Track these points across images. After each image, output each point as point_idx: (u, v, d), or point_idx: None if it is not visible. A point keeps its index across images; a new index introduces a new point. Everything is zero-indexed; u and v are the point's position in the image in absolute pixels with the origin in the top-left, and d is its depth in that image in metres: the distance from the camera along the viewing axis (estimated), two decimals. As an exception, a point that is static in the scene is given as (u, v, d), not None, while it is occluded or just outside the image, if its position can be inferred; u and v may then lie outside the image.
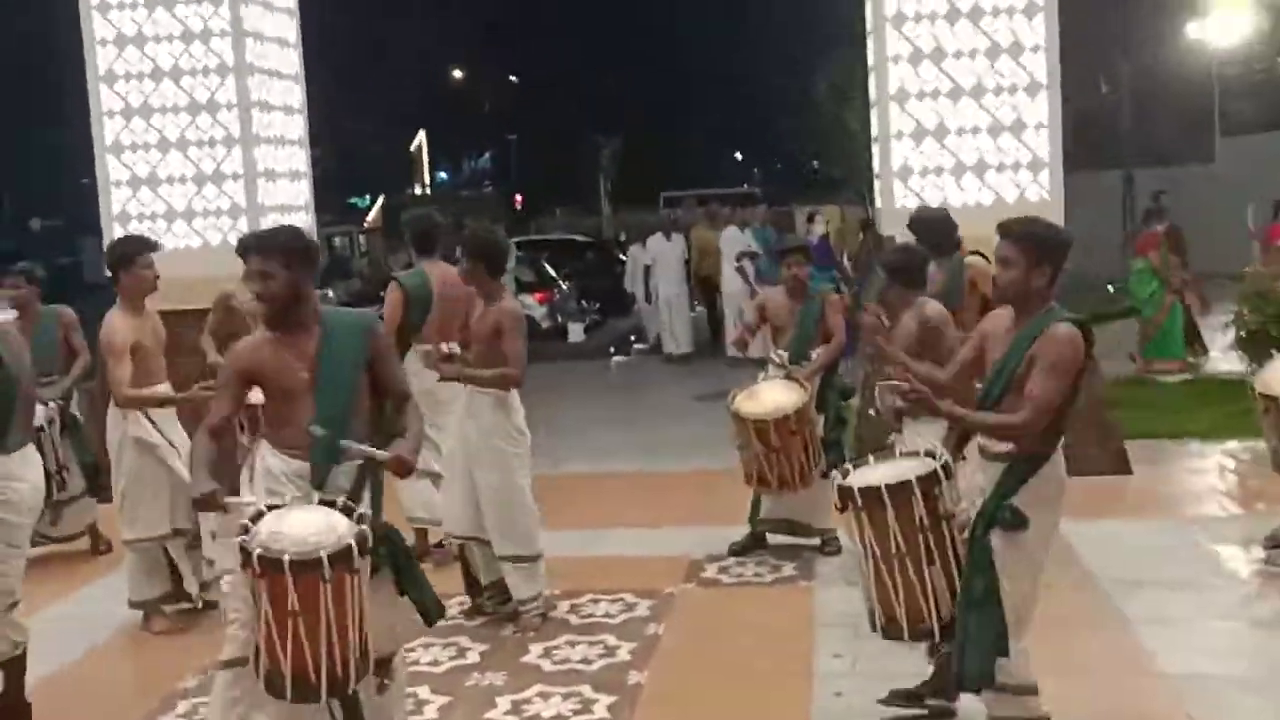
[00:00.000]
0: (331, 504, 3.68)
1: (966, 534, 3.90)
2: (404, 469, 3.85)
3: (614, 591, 6.14)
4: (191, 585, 5.93)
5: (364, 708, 3.82)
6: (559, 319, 17.09)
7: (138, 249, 5.79)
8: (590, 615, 5.85)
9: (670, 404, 12.10)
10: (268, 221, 8.72)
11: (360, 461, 3.86)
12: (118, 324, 5.60)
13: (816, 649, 5.29)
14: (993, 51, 8.24)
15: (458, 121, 50.08)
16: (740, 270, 14.00)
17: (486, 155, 55.38)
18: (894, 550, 3.89)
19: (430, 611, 3.89)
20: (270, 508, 3.64)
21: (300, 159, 9.48)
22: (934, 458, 3.97)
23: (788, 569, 6.44)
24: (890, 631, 4.06)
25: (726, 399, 6.54)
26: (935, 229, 6.44)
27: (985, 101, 8.29)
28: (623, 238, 29.70)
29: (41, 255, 33.92)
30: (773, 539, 6.74)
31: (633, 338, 16.41)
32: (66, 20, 8.87)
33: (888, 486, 3.88)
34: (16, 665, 4.65)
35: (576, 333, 16.78)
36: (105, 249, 6.21)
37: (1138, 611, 5.54)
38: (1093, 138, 24.99)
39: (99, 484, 6.75)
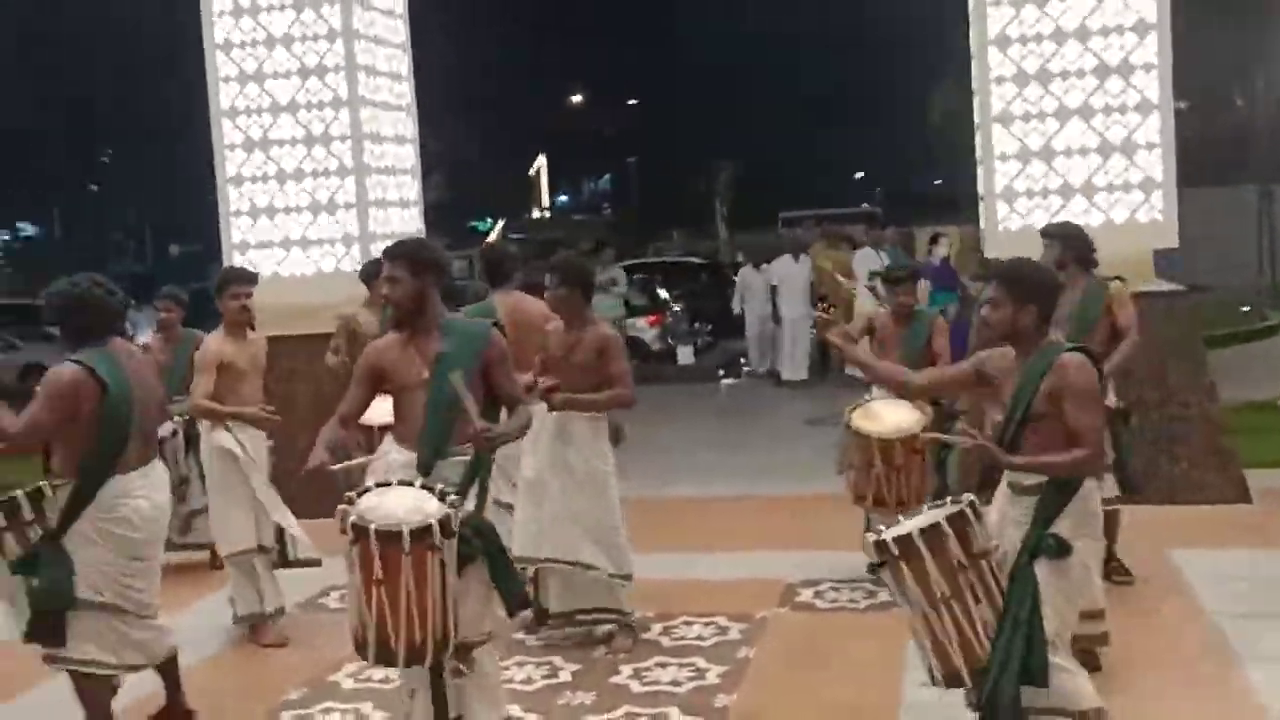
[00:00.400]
0: (431, 489, 4.02)
1: (1006, 568, 3.93)
2: (484, 436, 4.17)
3: (707, 614, 6.21)
4: (274, 602, 6.17)
5: (452, 695, 4.12)
6: (669, 341, 17.24)
7: (230, 279, 6.18)
8: (682, 638, 5.93)
9: (779, 427, 12.13)
10: (379, 249, 9.05)
11: (469, 459, 4.24)
12: (211, 343, 6.07)
13: (905, 677, 5.30)
14: (1101, 71, 8.16)
15: (578, 145, 50.80)
16: (872, 289, 13.90)
17: (605, 178, 56.00)
18: (939, 596, 3.89)
19: (513, 603, 4.21)
20: (378, 485, 4.05)
21: (411, 188, 9.82)
22: (959, 501, 4.00)
23: (883, 595, 6.41)
24: (951, 682, 4.06)
25: (841, 419, 6.59)
26: (1081, 240, 6.24)
27: (1094, 122, 8.21)
28: (739, 259, 29.75)
29: (177, 280, 35.54)
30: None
31: (742, 360, 16.48)
32: (194, 57, 9.36)
33: (920, 531, 3.90)
34: (170, 671, 4.94)
35: (686, 355, 16.90)
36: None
37: (1247, 646, 5.41)
38: (1226, 153, 24.28)
39: None
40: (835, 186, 50.84)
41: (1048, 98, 8.23)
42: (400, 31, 9.76)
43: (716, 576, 6.99)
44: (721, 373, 15.91)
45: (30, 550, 4.60)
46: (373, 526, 3.83)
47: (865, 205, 43.16)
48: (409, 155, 9.82)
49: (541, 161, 47.79)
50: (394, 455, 4.37)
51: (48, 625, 4.52)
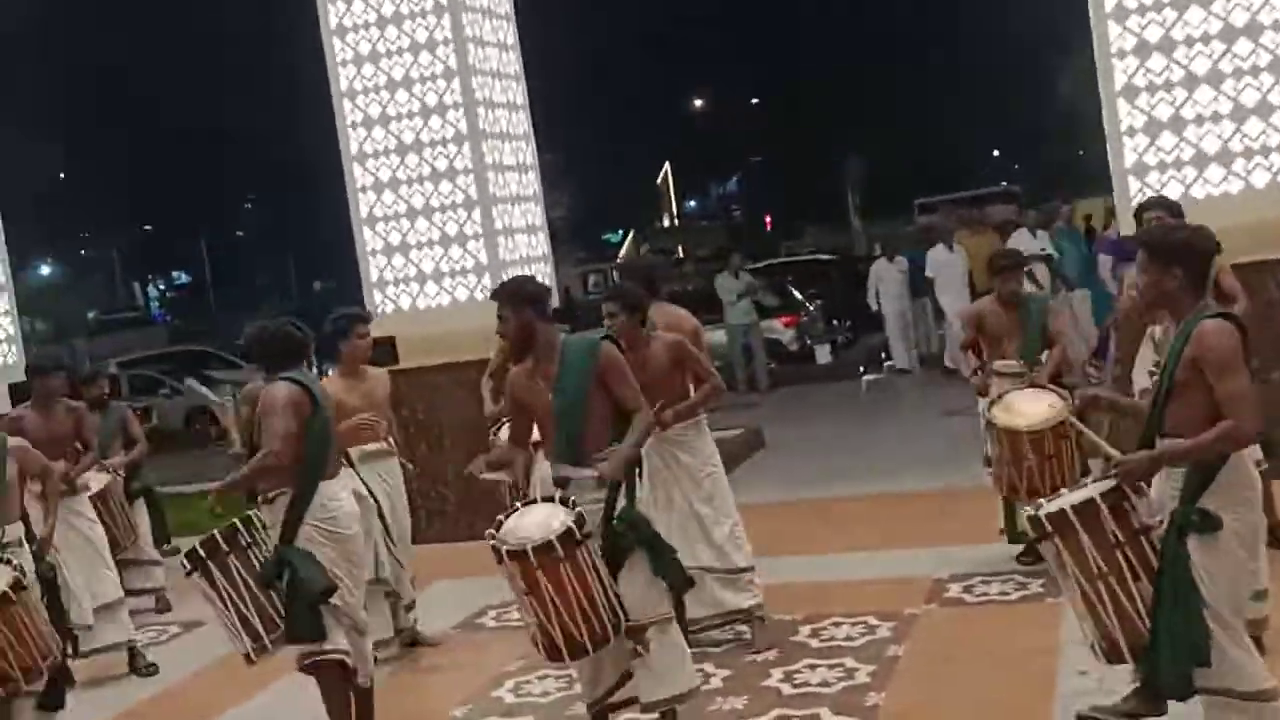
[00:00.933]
0: (564, 502, 4.50)
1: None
2: (599, 468, 4.61)
3: (855, 614, 6.30)
4: (386, 630, 6.39)
5: (637, 673, 4.67)
6: (807, 341, 17.29)
7: (351, 321, 6.59)
8: (831, 639, 6.04)
9: (920, 420, 12.13)
10: (509, 274, 9.39)
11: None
12: (325, 385, 6.30)
13: (1061, 668, 5.32)
14: (1228, 34, 7.99)
15: (703, 149, 51.05)
16: (1030, 275, 13.58)
17: (733, 179, 56.10)
18: (1096, 573, 3.93)
19: (677, 584, 4.72)
20: (525, 504, 4.60)
21: (536, 214, 10.14)
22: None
23: (1034, 586, 6.44)
24: (1113, 657, 4.10)
25: (981, 414, 6.65)
26: (1177, 213, 6.19)
27: (1224, 87, 8.04)
28: (876, 251, 29.48)
29: (320, 314, 36.96)
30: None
31: (884, 355, 16.43)
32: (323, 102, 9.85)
33: (1073, 508, 3.95)
34: (365, 700, 5.26)
35: (824, 354, 16.92)
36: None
37: None
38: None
39: None
40: (971, 167, 49.97)
41: (1173, 67, 8.09)
42: (513, 63, 10.09)
43: (863, 575, 7.07)
44: (862, 370, 15.89)
45: (274, 557, 5.03)
46: (504, 549, 4.36)
47: (1005, 184, 42.32)
48: (531, 182, 10.15)
49: (667, 169, 48.11)
50: (544, 469, 4.96)
51: (308, 619, 4.95)
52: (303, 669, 5.09)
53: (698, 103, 51.21)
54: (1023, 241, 13.68)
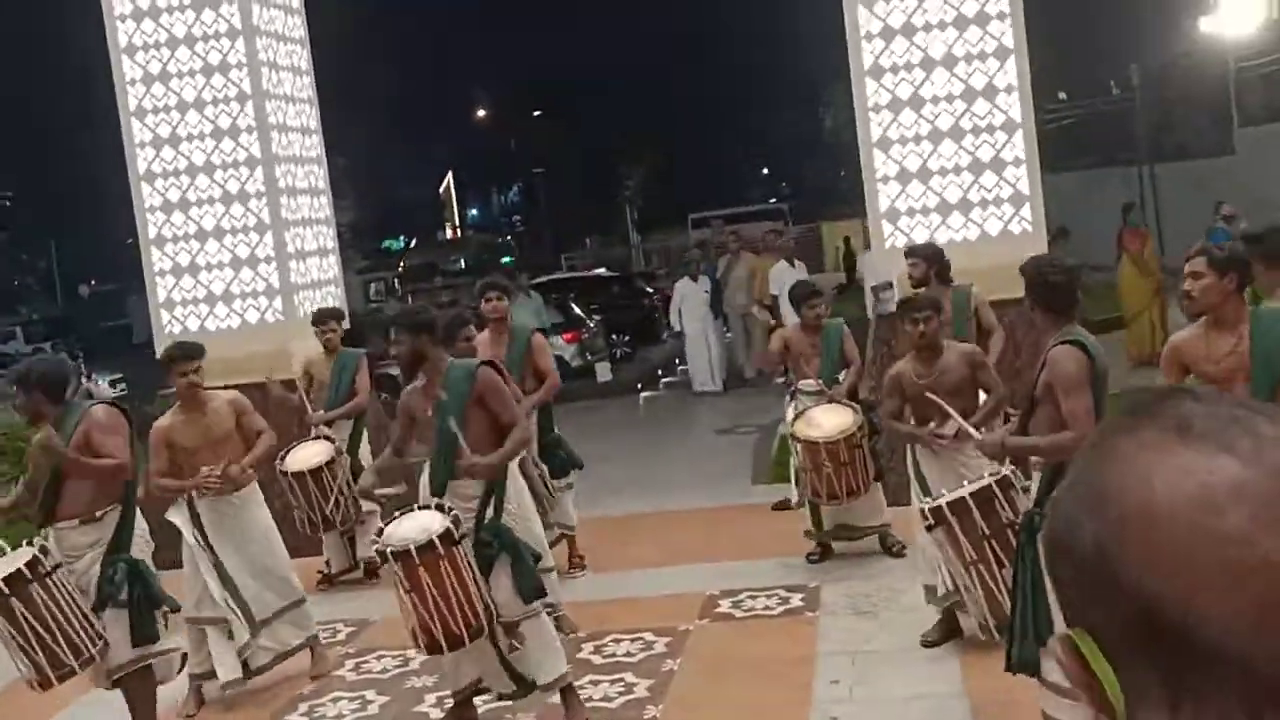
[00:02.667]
0: (442, 509, 4.98)
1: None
2: (464, 467, 5.09)
3: (634, 631, 6.67)
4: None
5: (515, 662, 5.12)
6: (588, 357, 17.66)
7: (174, 355, 6.19)
8: (612, 655, 6.37)
9: (694, 438, 12.66)
10: (300, 298, 9.41)
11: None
12: (160, 423, 6.34)
13: (817, 677, 5.81)
14: (968, 95, 8.77)
15: (486, 159, 51.04)
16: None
17: (515, 190, 56.26)
18: (989, 554, 4.55)
19: (527, 594, 5.11)
20: (404, 511, 5.06)
21: (328, 236, 10.15)
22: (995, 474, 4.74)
23: (795, 600, 6.95)
24: (996, 632, 4.72)
25: (782, 429, 7.31)
26: (940, 258, 7.30)
27: (964, 142, 8.82)
28: (653, 266, 30.20)
29: (94, 318, 35.44)
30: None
31: (659, 372, 16.99)
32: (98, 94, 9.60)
33: (972, 494, 4.61)
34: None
35: (604, 371, 17.31)
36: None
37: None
38: (1107, 137, 25.36)
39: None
40: (740, 183, 51.60)
41: (921, 121, 8.82)
42: (307, 87, 10.08)
43: (642, 592, 7.45)
44: (640, 386, 16.36)
45: (114, 569, 5.34)
46: (389, 549, 4.79)
47: (773, 201, 43.92)
48: (324, 205, 10.15)
49: (449, 179, 47.88)
50: (425, 478, 5.40)
51: (150, 621, 5.41)
52: (116, 681, 5.36)
53: (481, 113, 51.17)
54: (783, 273, 14.47)
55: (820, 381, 7.37)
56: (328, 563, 8.02)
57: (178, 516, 6.15)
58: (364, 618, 7.30)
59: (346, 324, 8.62)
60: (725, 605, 7.03)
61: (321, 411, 7.92)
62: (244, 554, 6.16)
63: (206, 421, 6.12)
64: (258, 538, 6.24)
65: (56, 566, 5.18)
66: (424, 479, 5.43)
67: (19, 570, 5.08)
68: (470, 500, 5.18)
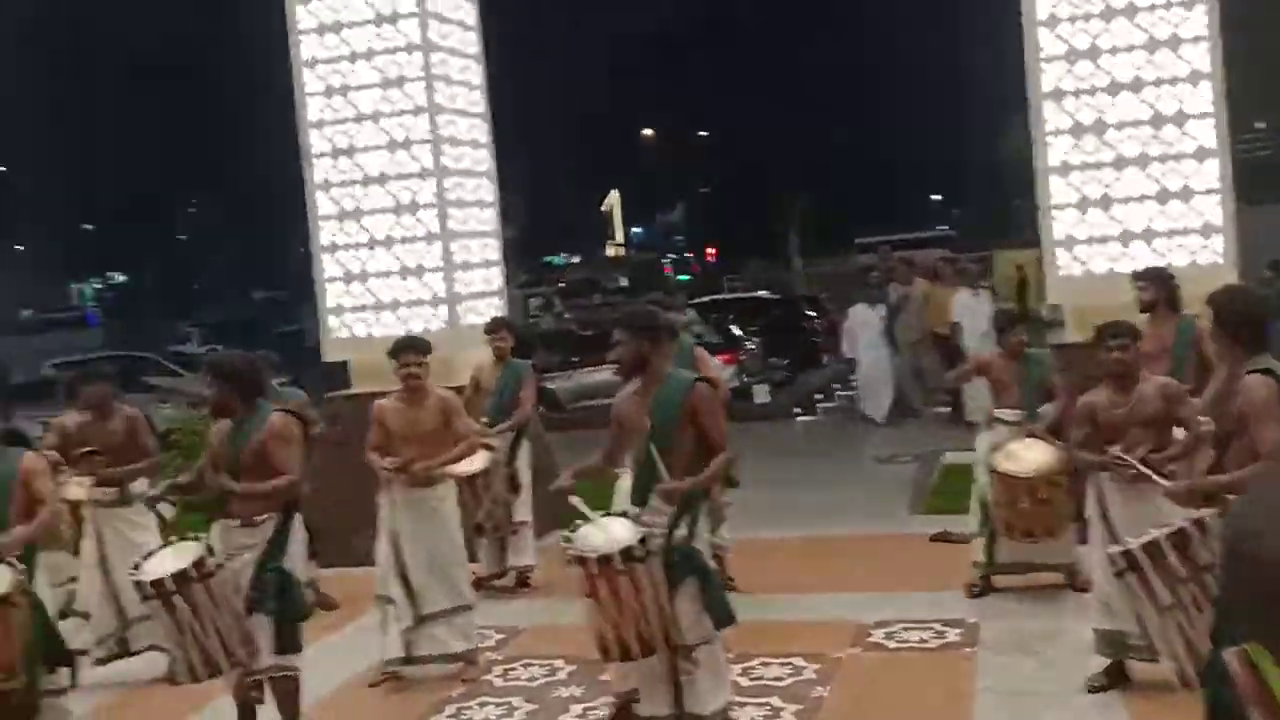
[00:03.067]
0: (635, 519, 4.90)
1: None
2: (662, 492, 4.96)
3: (783, 655, 6.66)
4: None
5: (684, 687, 4.97)
6: (745, 379, 17.67)
7: (398, 348, 6.81)
8: (760, 678, 6.37)
9: (851, 466, 12.55)
10: (463, 308, 9.70)
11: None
12: (382, 407, 6.83)
13: (974, 715, 5.71)
14: (1157, 120, 8.52)
15: (650, 178, 51.56)
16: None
17: (677, 209, 56.66)
18: (1187, 599, 4.50)
19: (719, 619, 4.99)
20: (602, 516, 4.98)
21: (494, 248, 10.46)
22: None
23: (952, 634, 6.83)
24: (1186, 682, 4.60)
25: (983, 460, 7.19)
26: (1171, 283, 7.17)
27: (1150, 170, 8.57)
28: (816, 291, 30.00)
29: (268, 323, 37.06)
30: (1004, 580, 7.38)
31: (818, 397, 16.89)
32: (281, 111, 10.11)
33: (1166, 538, 4.54)
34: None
35: (762, 393, 17.29)
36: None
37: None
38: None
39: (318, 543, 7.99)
40: (910, 209, 50.89)
41: (1104, 148, 8.61)
42: (480, 102, 10.42)
43: (792, 617, 7.43)
44: (798, 411, 16.29)
45: (269, 576, 5.48)
46: (571, 553, 4.82)
47: (941, 228, 43.20)
48: (490, 219, 10.46)
49: (614, 196, 48.52)
50: (624, 481, 5.38)
51: (296, 632, 5.56)
52: (269, 680, 5.48)
53: (647, 131, 51.76)
54: (967, 300, 14.22)
55: (1020, 412, 7.28)
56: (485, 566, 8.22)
57: (384, 498, 6.61)
58: (514, 625, 7.47)
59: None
60: (878, 635, 6.96)
61: (485, 420, 8.15)
62: (425, 548, 6.54)
63: (417, 414, 6.60)
64: (442, 538, 6.62)
65: (219, 566, 5.35)
66: (623, 484, 5.47)
67: (185, 569, 5.26)
68: (666, 515, 5.05)
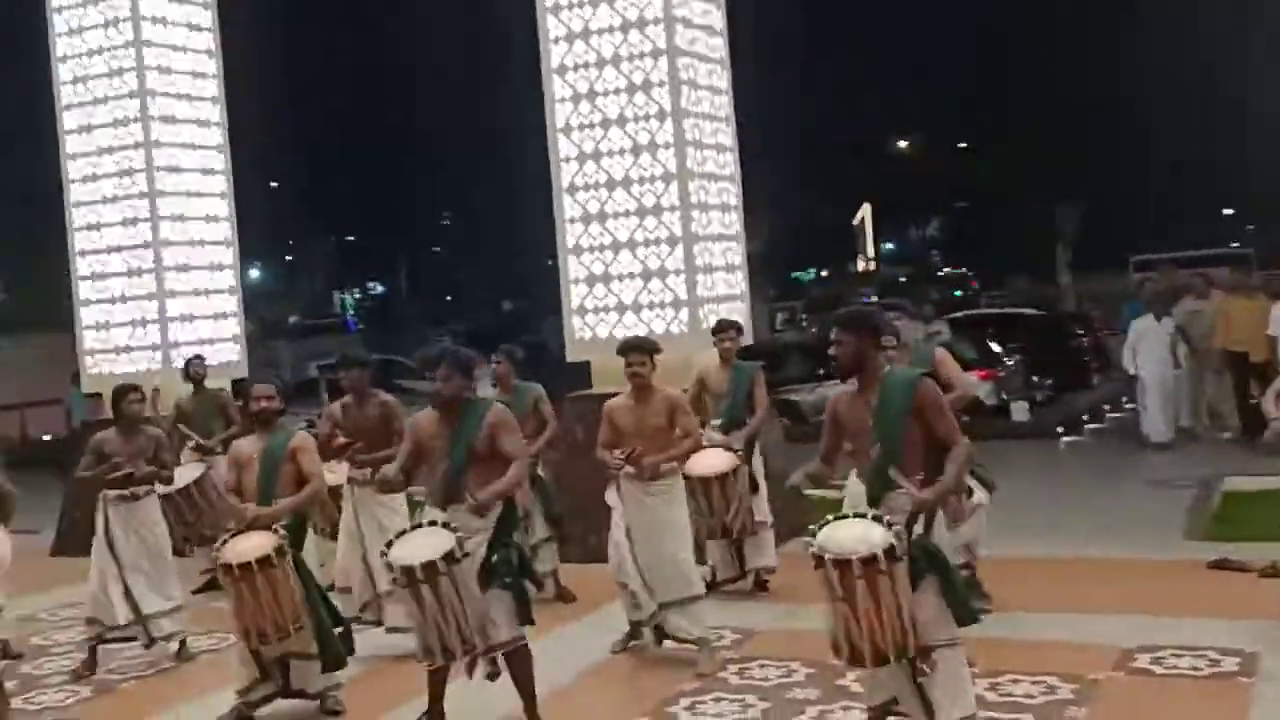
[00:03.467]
0: (879, 519, 4.87)
1: None
2: (919, 504, 4.93)
3: (1036, 674, 6.44)
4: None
5: (925, 688, 4.93)
6: (1003, 397, 17.19)
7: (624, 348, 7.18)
8: (1009, 694, 6.17)
9: (1122, 488, 12.02)
10: (705, 311, 9.84)
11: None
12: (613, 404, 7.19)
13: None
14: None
15: (905, 191, 50.76)
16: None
17: (934, 224, 55.57)
18: None
19: (961, 616, 4.95)
20: (838, 518, 4.99)
21: (736, 252, 10.58)
22: None
23: (1228, 663, 6.45)
24: None
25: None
26: None
27: None
28: (1091, 310, 28.87)
29: (510, 335, 38.61)
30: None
31: (1085, 417, 16.24)
32: (537, 140, 10.54)
33: None
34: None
35: (1021, 411, 16.77)
36: None
37: None
38: None
39: (562, 534, 8.67)
40: (1200, 224, 48.18)
41: None
42: (724, 106, 10.58)
43: (1046, 636, 7.17)
44: (1061, 430, 15.72)
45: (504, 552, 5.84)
46: (828, 556, 4.79)
47: (1235, 245, 40.68)
48: (734, 222, 10.58)
49: (866, 210, 48.04)
50: (854, 486, 5.41)
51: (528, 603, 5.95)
52: (506, 654, 5.78)
53: (903, 143, 51.01)
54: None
55: None
56: (712, 569, 8.30)
57: (614, 492, 6.95)
58: (750, 627, 7.50)
59: (746, 341, 8.95)
60: (1143, 660, 6.64)
61: (717, 423, 8.26)
62: (655, 540, 6.87)
63: (643, 412, 6.93)
64: (671, 530, 6.92)
65: (466, 555, 5.60)
66: (851, 483, 5.47)
67: (434, 561, 5.52)
68: (903, 514, 5.03)
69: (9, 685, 7.43)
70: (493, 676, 5.86)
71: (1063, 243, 38.66)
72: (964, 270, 48.15)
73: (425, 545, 5.61)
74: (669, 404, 6.98)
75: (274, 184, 43.51)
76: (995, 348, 18.63)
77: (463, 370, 5.90)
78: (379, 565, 7.20)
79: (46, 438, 24.40)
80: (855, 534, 4.84)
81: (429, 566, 5.51)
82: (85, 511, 10.46)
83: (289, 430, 6.63)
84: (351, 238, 57.45)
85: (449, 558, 5.53)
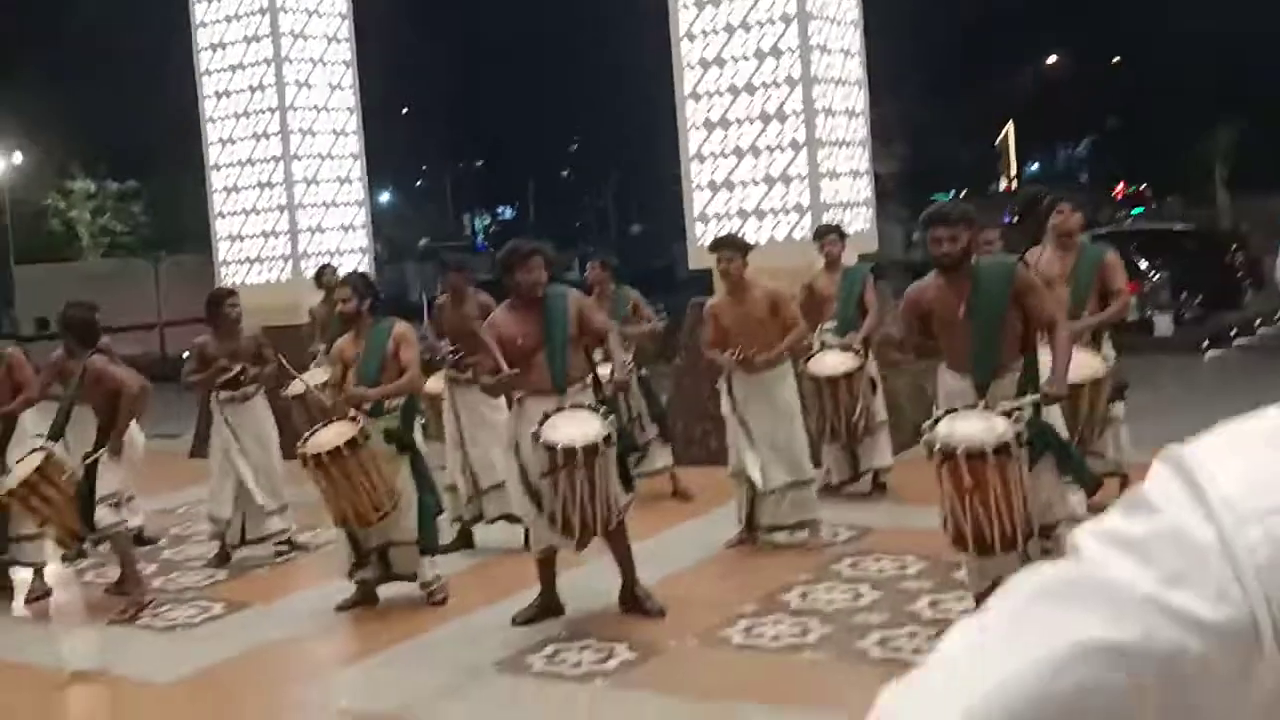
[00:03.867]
0: (989, 409, 5.13)
1: None
2: (1054, 398, 5.22)
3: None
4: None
5: None
6: (1147, 311, 16.98)
7: (715, 245, 7.36)
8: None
9: (1267, 400, 11.80)
10: (829, 217, 9.94)
11: (1017, 373, 5.35)
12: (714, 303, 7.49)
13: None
14: None
15: (1052, 109, 49.36)
16: None
17: (1083, 144, 53.98)
18: None
19: (1086, 483, 5.25)
20: (948, 412, 5.21)
21: (861, 159, 10.61)
22: None
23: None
24: None
25: None
26: None
27: None
28: (1244, 228, 27.99)
29: (640, 254, 38.96)
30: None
31: (1234, 331, 15.93)
32: (657, 50, 10.68)
33: None
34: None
35: (1164, 325, 16.56)
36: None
37: None
38: None
39: (670, 434, 9.00)
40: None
41: None
42: (852, 9, 10.57)
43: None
44: (1205, 344, 15.47)
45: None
46: (959, 450, 4.95)
47: None
48: (859, 127, 10.61)
49: (1009, 129, 46.91)
50: (950, 382, 5.55)
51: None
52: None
53: (1051, 59, 49.51)
54: None
55: None
56: (828, 472, 8.48)
57: (723, 386, 7.26)
58: (867, 526, 7.69)
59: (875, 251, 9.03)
60: None
61: (829, 327, 8.43)
62: (768, 429, 7.16)
63: (745, 308, 7.15)
64: (781, 417, 7.19)
65: (608, 439, 5.91)
66: (948, 381, 5.61)
67: (596, 444, 5.85)
68: (1009, 400, 5.24)
69: (150, 568, 8.06)
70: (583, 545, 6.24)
71: (1220, 162, 37.29)
72: (1141, 187, 46.66)
73: (576, 429, 5.91)
74: (769, 297, 7.18)
75: (405, 110, 44.37)
76: (1142, 263, 18.32)
77: (550, 263, 6.29)
78: (482, 462, 7.63)
79: (185, 355, 25.58)
80: (980, 425, 5.03)
81: (590, 449, 5.83)
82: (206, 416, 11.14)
83: (390, 322, 6.93)
84: (480, 162, 58.32)
85: (607, 440, 5.88)
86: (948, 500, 5.08)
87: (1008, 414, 5.08)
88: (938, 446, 5.01)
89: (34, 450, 7.13)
